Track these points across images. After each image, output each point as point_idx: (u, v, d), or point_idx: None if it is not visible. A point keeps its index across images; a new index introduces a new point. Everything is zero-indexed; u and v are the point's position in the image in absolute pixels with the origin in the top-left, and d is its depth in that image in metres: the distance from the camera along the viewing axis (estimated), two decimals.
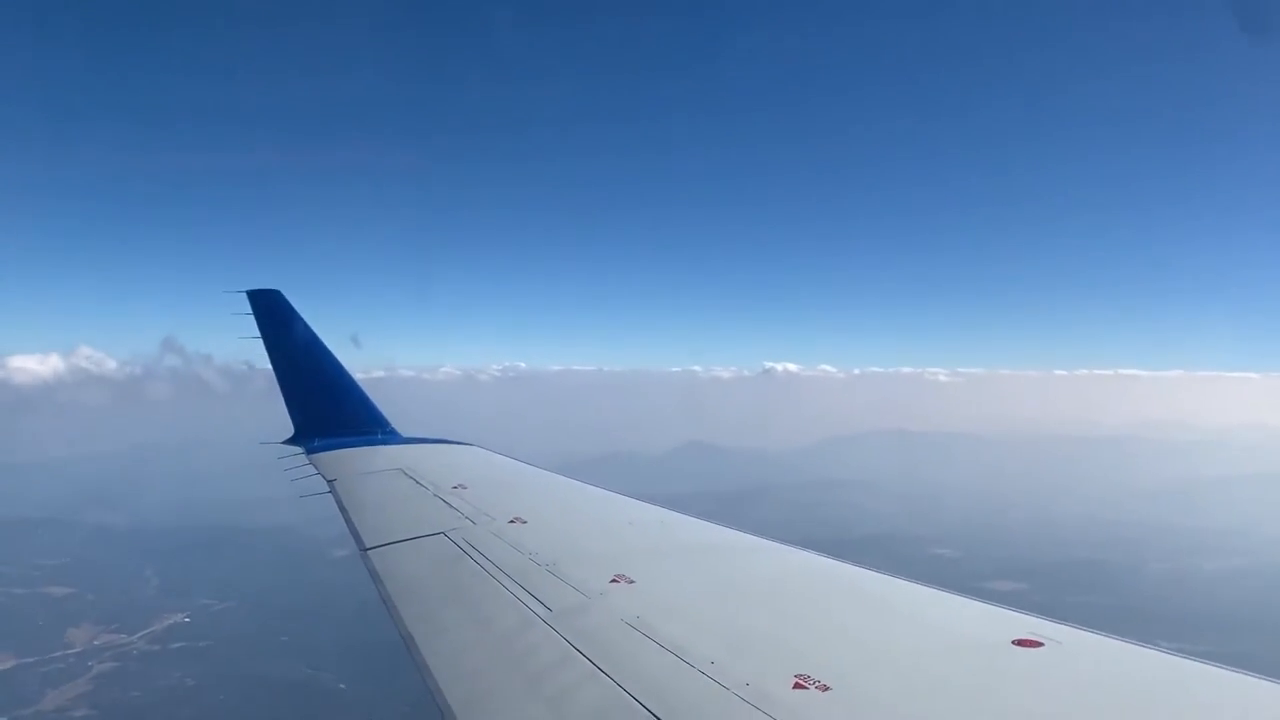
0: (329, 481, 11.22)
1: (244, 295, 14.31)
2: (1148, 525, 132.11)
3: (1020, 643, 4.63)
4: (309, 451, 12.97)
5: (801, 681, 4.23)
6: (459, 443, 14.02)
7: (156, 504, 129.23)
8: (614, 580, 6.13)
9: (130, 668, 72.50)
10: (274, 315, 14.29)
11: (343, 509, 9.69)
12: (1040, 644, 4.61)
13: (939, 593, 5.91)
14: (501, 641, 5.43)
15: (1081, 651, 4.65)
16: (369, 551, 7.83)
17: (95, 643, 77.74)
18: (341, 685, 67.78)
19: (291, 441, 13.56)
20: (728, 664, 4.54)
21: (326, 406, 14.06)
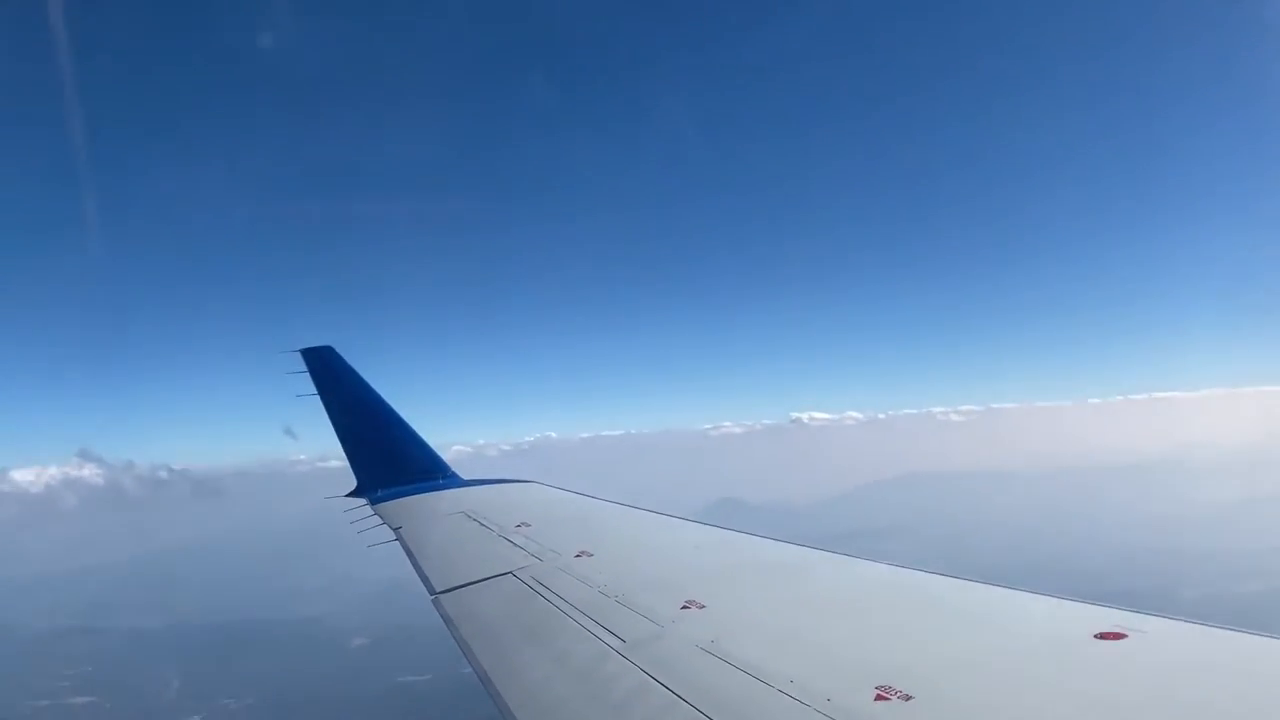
0: (395, 530, 11.23)
1: (297, 354, 14.47)
2: (1179, 552, 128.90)
3: (1103, 636, 4.56)
4: (373, 502, 13.01)
5: (883, 693, 4.21)
6: (519, 480, 14.13)
7: (189, 604, 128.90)
8: (685, 606, 6.11)
9: None
10: (329, 371, 14.48)
11: (410, 556, 9.72)
12: (1124, 635, 4.54)
13: (1013, 592, 5.90)
14: (578, 675, 5.44)
15: (1168, 640, 4.61)
16: (440, 596, 7.84)
17: None
18: None
19: (355, 494, 13.63)
20: (807, 680, 4.52)
21: (386, 456, 14.14)
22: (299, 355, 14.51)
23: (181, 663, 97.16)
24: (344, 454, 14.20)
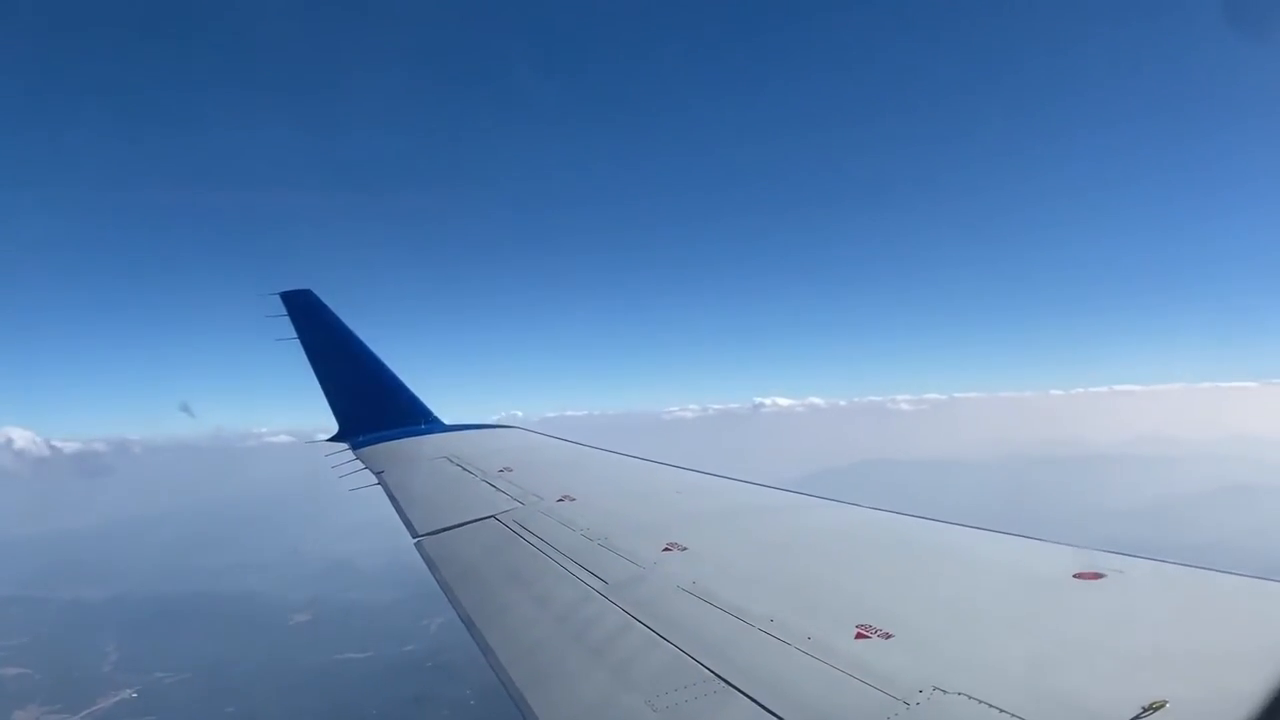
0: (376, 474, 11.17)
1: (276, 298, 14.23)
2: (1123, 544, 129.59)
3: (1081, 575, 4.67)
4: (354, 447, 12.90)
5: (864, 631, 4.26)
6: (502, 426, 14.16)
7: (134, 576, 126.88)
8: (666, 549, 6.17)
9: None
10: (309, 315, 14.23)
11: (393, 500, 9.68)
12: (1102, 575, 4.65)
13: (992, 534, 6.04)
14: (560, 617, 5.46)
15: (1145, 580, 4.72)
16: (422, 540, 7.83)
17: None
18: None
19: (336, 439, 13.48)
20: (788, 620, 4.56)
21: (368, 401, 14.00)
22: (279, 299, 14.29)
23: (120, 635, 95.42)
24: (313, 406, 14.09)
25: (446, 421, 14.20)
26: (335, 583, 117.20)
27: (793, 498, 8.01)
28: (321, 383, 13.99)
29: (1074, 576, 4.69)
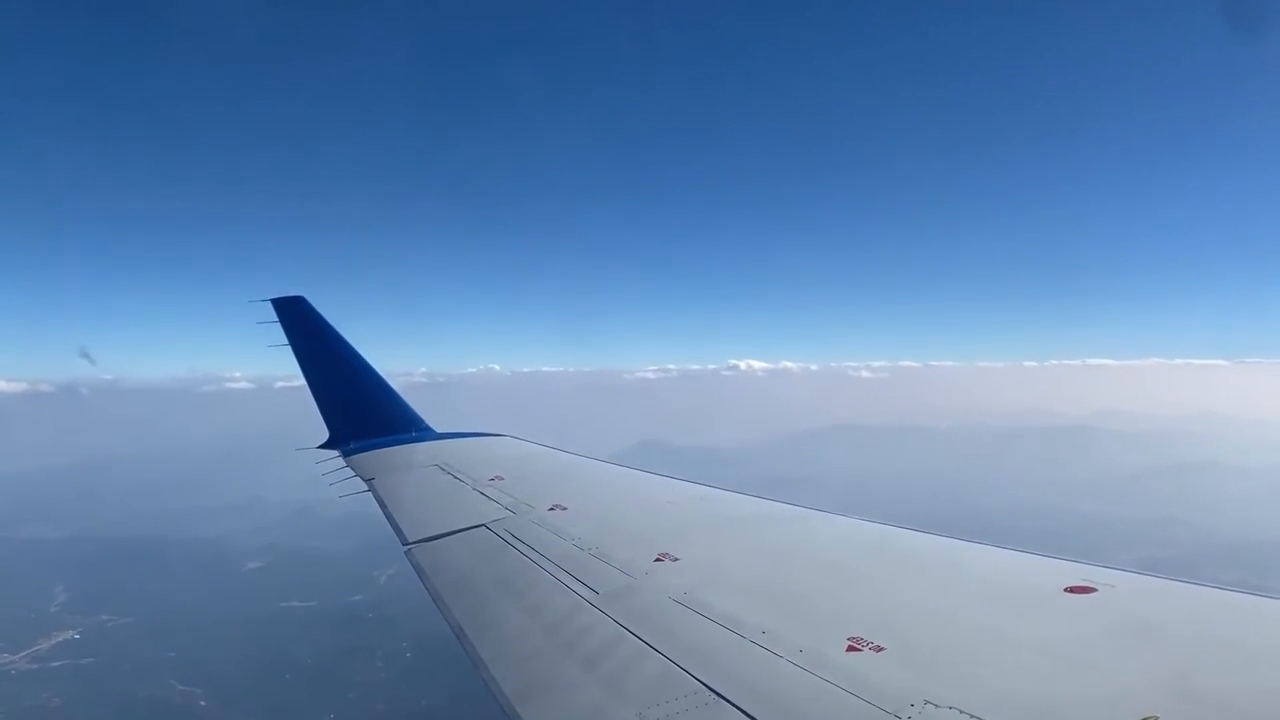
0: (367, 481, 11.11)
1: (268, 304, 14.07)
2: (1077, 516, 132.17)
3: (1072, 589, 4.66)
4: (345, 454, 12.84)
5: (855, 644, 4.26)
6: (492, 434, 14.06)
7: (94, 517, 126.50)
8: (658, 559, 6.15)
9: (2, 688, 69.98)
10: (300, 321, 14.10)
11: (383, 508, 9.61)
12: (1093, 589, 4.64)
13: (985, 547, 6.02)
14: (551, 628, 5.43)
15: (1136, 594, 4.69)
16: (411, 548, 7.78)
17: None
18: (202, 702, 67.01)
19: (327, 446, 13.41)
20: (779, 632, 4.57)
21: (359, 408, 13.92)
22: (269, 305, 14.13)
23: (72, 576, 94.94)
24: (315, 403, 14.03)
25: (438, 429, 14.23)
26: (294, 530, 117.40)
27: (786, 509, 7.94)
28: (312, 389, 13.92)
29: (1065, 590, 4.69)
